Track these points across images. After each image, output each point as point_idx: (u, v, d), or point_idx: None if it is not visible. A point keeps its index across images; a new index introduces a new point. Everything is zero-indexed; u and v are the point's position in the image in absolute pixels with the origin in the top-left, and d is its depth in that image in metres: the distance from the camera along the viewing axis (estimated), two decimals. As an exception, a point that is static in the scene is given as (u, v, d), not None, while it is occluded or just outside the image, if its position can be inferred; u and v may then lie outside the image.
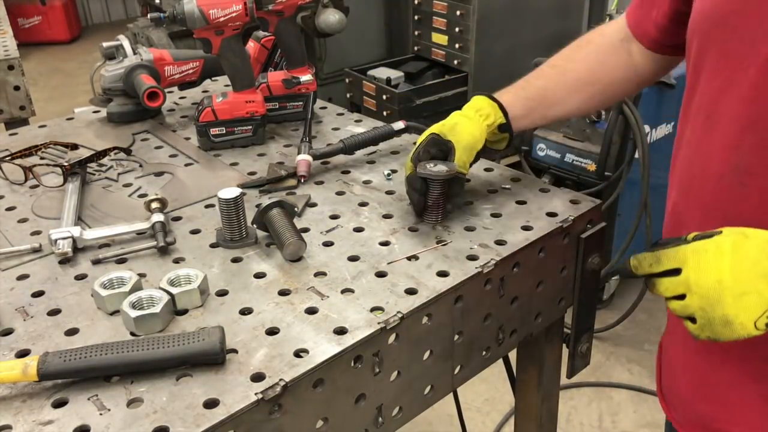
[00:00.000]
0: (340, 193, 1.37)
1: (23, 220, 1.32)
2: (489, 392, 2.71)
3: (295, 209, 1.26)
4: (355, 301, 1.04)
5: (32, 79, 5.60)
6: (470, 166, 1.28)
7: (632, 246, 2.83)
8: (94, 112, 1.81)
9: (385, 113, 3.60)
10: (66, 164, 1.42)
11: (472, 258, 1.13)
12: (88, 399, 0.87)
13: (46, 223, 1.30)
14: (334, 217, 1.29)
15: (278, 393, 0.87)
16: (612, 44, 1.30)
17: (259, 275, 1.12)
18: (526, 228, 1.21)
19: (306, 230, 1.24)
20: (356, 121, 1.73)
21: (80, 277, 1.13)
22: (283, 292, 1.07)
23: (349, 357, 0.94)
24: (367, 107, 3.73)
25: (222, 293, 1.08)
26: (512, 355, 1.44)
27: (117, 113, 1.74)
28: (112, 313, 1.03)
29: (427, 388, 1.09)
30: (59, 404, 0.87)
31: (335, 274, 1.11)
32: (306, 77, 1.67)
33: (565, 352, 1.40)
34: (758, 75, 0.94)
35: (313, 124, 1.57)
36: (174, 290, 1.03)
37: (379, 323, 0.98)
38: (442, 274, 1.09)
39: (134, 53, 1.71)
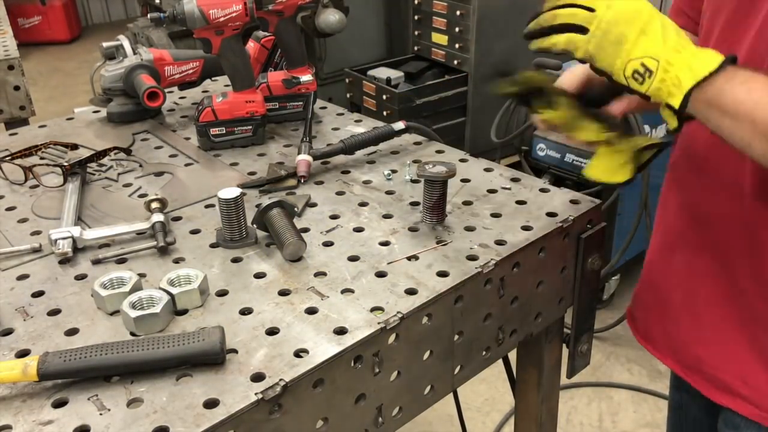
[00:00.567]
0: (340, 193, 1.37)
1: (23, 220, 1.32)
2: (489, 392, 2.71)
3: (295, 209, 1.26)
4: (355, 301, 1.04)
5: (32, 79, 5.60)
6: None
7: (632, 246, 2.83)
8: (94, 112, 1.81)
9: (385, 113, 3.60)
10: (66, 164, 1.42)
11: (472, 258, 1.13)
12: (88, 399, 0.87)
13: (46, 223, 1.30)
14: (334, 217, 1.29)
15: (278, 393, 0.87)
16: None
17: (259, 275, 1.12)
18: (526, 228, 1.21)
19: (306, 230, 1.24)
20: (356, 121, 1.73)
21: (80, 277, 1.13)
22: (283, 292, 1.07)
23: (349, 357, 0.94)
24: (367, 107, 3.73)
25: (222, 293, 1.08)
26: (512, 355, 1.44)
27: (117, 113, 1.74)
28: (112, 313, 1.03)
29: (427, 388, 1.09)
30: (59, 404, 0.87)
31: (335, 274, 1.11)
32: (306, 77, 1.67)
33: (565, 352, 1.40)
34: (755, 37, 0.98)
35: (313, 124, 1.57)
36: (174, 290, 1.03)
37: (379, 323, 0.98)
38: (442, 274, 1.09)
39: (134, 53, 1.71)
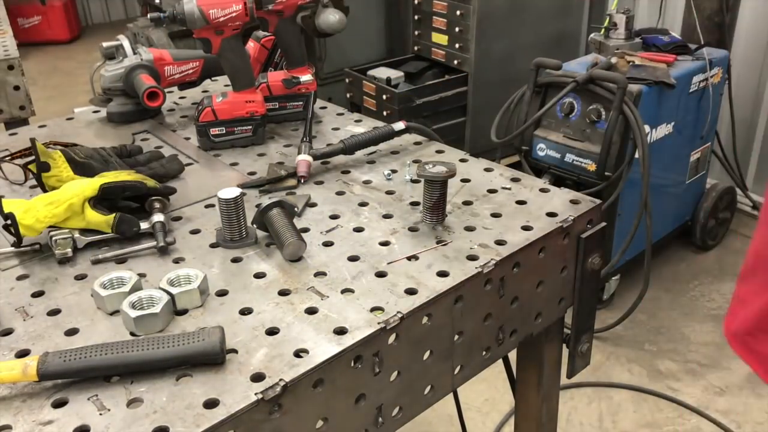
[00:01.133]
0: (340, 193, 1.37)
1: (23, 220, 1.32)
2: (489, 392, 2.71)
3: (295, 209, 1.26)
4: (355, 301, 1.04)
5: (32, 79, 5.59)
6: None
7: (632, 246, 2.83)
8: (94, 112, 1.81)
9: (385, 113, 3.60)
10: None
11: (472, 258, 1.13)
12: (88, 399, 0.87)
13: (46, 223, 1.30)
14: (334, 217, 1.29)
15: (278, 393, 0.86)
16: None
17: (259, 275, 1.12)
18: (526, 228, 1.21)
19: (306, 230, 1.24)
20: (356, 121, 1.73)
21: (80, 277, 1.13)
22: (283, 292, 1.07)
23: (349, 357, 0.94)
24: (367, 107, 3.73)
25: (222, 293, 1.08)
26: (512, 355, 1.44)
27: (117, 113, 1.74)
28: (112, 313, 1.03)
29: (427, 388, 1.09)
30: (59, 404, 0.87)
31: (335, 274, 1.11)
32: (306, 77, 1.67)
33: (565, 352, 1.40)
34: None
35: (313, 124, 1.56)
36: (174, 290, 1.03)
37: (379, 323, 0.98)
38: (442, 274, 1.09)
39: (134, 53, 1.71)
